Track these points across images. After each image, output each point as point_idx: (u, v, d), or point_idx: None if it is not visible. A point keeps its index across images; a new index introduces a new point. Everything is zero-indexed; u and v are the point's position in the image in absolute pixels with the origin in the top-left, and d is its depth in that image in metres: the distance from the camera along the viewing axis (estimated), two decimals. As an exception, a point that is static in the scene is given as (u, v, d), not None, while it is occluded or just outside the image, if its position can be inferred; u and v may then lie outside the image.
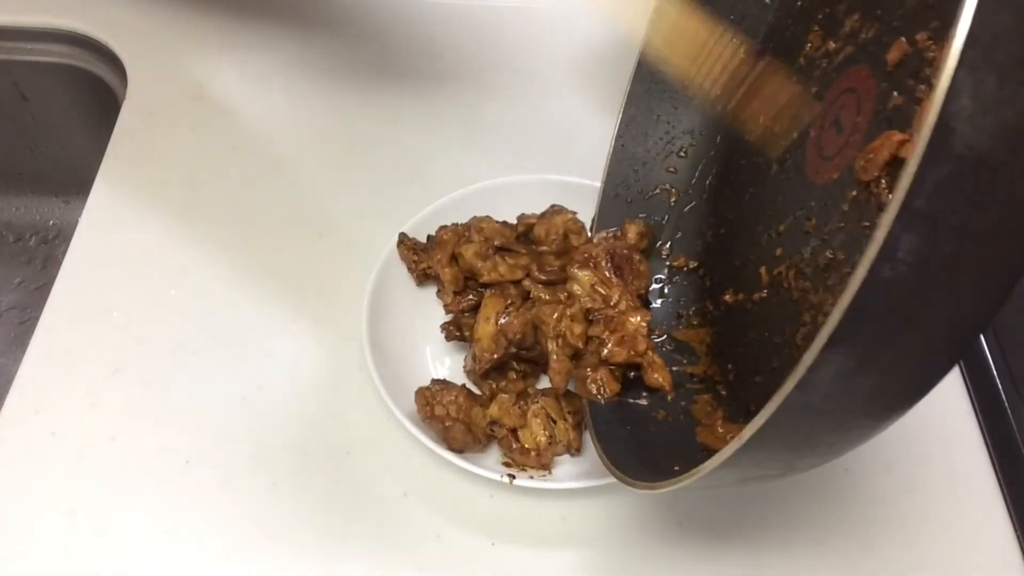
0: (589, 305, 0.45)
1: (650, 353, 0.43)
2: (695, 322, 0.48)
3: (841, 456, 0.34)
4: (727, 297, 0.45)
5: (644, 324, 0.43)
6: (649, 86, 0.49)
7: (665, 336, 0.48)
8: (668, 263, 0.50)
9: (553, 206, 0.52)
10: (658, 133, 0.50)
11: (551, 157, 0.61)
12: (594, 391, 0.44)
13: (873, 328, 0.26)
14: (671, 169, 0.50)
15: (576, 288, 0.45)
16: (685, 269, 0.49)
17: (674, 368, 0.45)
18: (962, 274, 0.26)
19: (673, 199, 0.50)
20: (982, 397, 0.51)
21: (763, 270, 0.42)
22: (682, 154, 0.50)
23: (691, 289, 0.49)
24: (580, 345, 0.44)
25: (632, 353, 0.43)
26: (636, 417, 0.44)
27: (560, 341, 0.45)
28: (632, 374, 0.44)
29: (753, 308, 0.43)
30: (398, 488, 0.46)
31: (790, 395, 0.27)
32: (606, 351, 0.43)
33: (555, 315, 0.45)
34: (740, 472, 0.33)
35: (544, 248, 0.50)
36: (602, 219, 0.50)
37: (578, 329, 0.44)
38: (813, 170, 0.39)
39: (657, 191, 0.51)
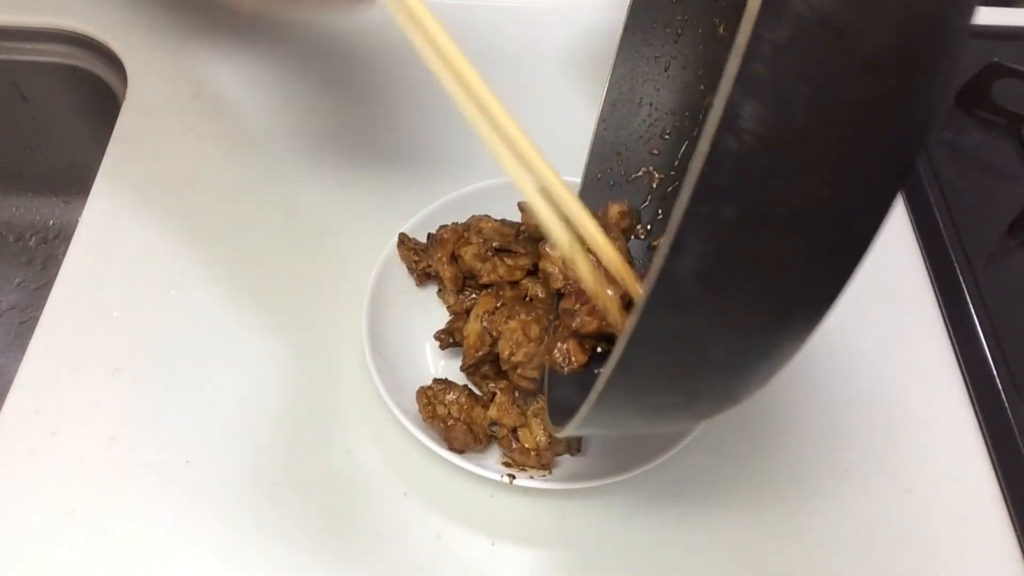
0: (559, 285, 0.45)
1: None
2: None
3: (745, 387, 0.31)
4: None
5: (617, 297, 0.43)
6: (632, 67, 0.49)
7: None
8: (648, 243, 0.50)
9: None
10: (641, 116, 0.50)
11: (551, 156, 0.61)
12: (560, 360, 0.43)
13: (729, 211, 0.24)
14: (655, 151, 0.50)
15: (548, 266, 0.45)
16: None
17: None
18: (820, 150, 0.24)
19: (656, 181, 0.50)
20: (982, 397, 0.51)
21: None
22: (666, 136, 0.50)
23: None
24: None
25: (604, 323, 0.43)
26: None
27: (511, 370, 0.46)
28: (599, 349, 0.44)
29: None
30: (398, 488, 0.46)
31: (653, 292, 0.25)
32: (577, 322, 0.43)
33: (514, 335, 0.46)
34: (631, 396, 0.30)
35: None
36: (585, 202, 0.51)
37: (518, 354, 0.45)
38: None
39: (640, 173, 0.51)
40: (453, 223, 0.52)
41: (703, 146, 0.23)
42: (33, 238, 0.80)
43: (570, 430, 0.34)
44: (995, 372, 0.50)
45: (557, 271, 0.46)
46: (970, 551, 0.46)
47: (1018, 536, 0.46)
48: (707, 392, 0.31)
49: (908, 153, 0.26)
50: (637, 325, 0.26)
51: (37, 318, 0.51)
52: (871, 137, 0.25)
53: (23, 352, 0.50)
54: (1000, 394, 0.50)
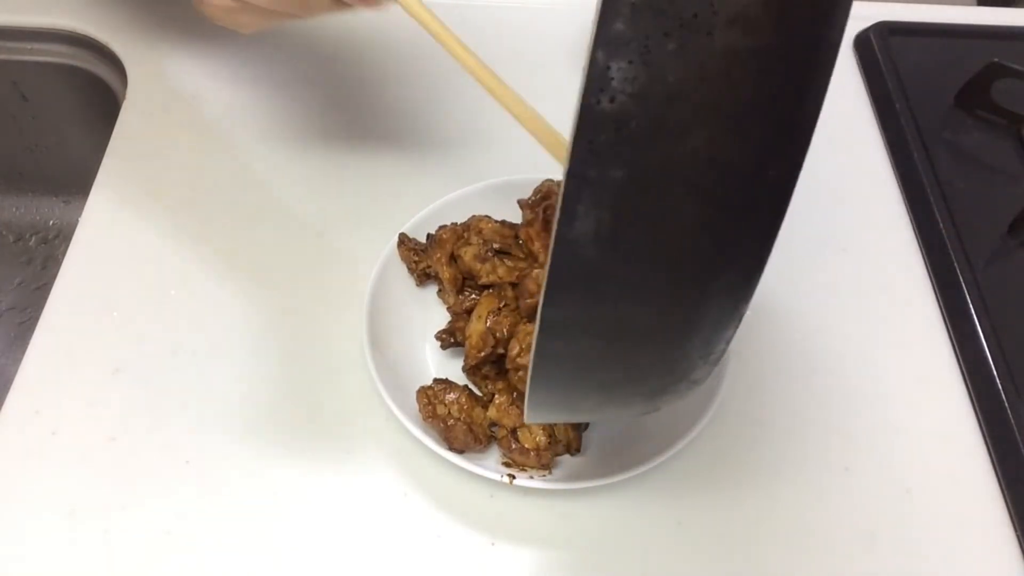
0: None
1: None
2: None
3: (684, 360, 0.30)
4: None
5: None
6: None
7: None
8: None
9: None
10: None
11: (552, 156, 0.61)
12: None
13: (616, 173, 0.24)
14: None
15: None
16: None
17: None
18: (698, 106, 0.23)
19: None
20: (982, 397, 0.51)
21: None
22: None
23: None
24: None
25: None
26: None
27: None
28: None
29: None
30: (398, 488, 0.46)
31: (553, 261, 0.25)
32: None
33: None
34: (567, 373, 0.30)
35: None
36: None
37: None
38: None
39: None
40: (452, 224, 0.52)
41: (578, 108, 0.23)
42: (33, 238, 0.80)
43: (528, 415, 0.34)
44: (995, 372, 0.50)
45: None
46: (970, 551, 0.46)
47: (1018, 536, 0.46)
48: (647, 367, 0.30)
49: (797, 108, 0.25)
50: (546, 295, 0.26)
51: (37, 318, 0.51)
52: (750, 91, 0.24)
53: (23, 352, 0.50)
54: (1000, 394, 0.50)
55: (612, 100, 0.23)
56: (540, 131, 0.42)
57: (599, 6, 0.23)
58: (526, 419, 0.35)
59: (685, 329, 0.29)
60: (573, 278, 0.26)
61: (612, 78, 0.23)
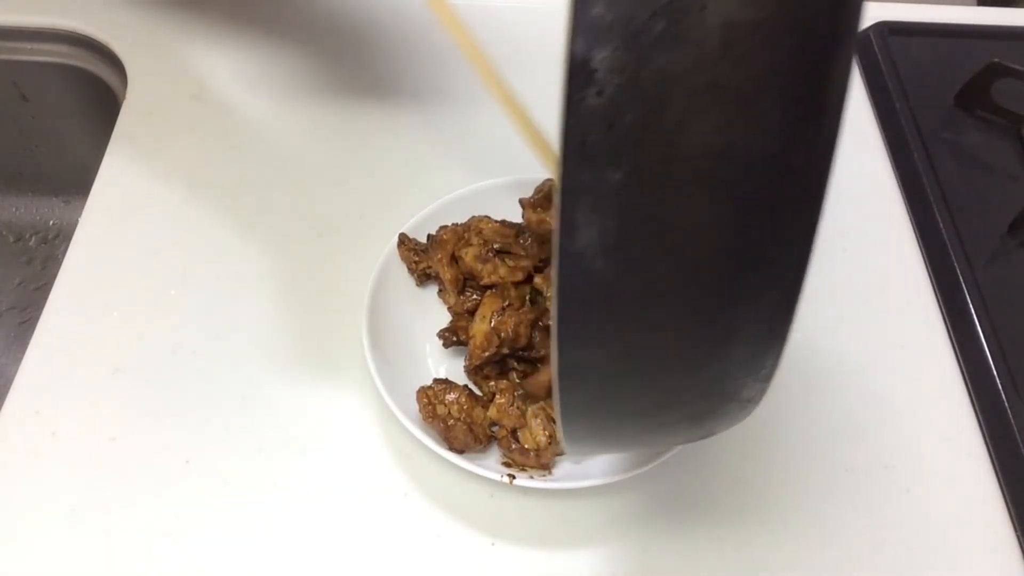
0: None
1: None
2: None
3: (726, 379, 0.27)
4: None
5: None
6: None
7: None
8: None
9: None
10: None
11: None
12: None
13: (614, 174, 0.21)
14: None
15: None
16: None
17: None
18: (698, 88, 0.21)
19: None
20: (982, 397, 0.51)
21: None
22: None
23: None
24: None
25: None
26: None
27: None
28: None
29: None
30: (398, 488, 0.46)
31: (561, 280, 0.22)
32: None
33: None
34: (593, 405, 0.27)
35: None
36: None
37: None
38: None
39: None
40: (453, 224, 0.52)
41: (562, 106, 0.21)
42: (33, 238, 0.80)
43: (567, 448, 0.32)
44: (995, 372, 0.50)
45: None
46: (970, 551, 0.46)
47: (1018, 536, 0.46)
48: (680, 389, 0.27)
49: (817, 84, 0.22)
50: (560, 318, 0.23)
51: (37, 318, 0.51)
52: (758, 69, 0.21)
53: (23, 352, 0.50)
54: (1000, 394, 0.50)
55: (600, 93, 0.21)
56: (537, 144, 0.41)
57: None
58: (565, 451, 0.33)
59: (716, 344, 0.26)
60: (582, 294, 0.24)
61: (596, 69, 0.20)
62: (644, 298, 0.24)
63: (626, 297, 0.24)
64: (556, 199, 0.22)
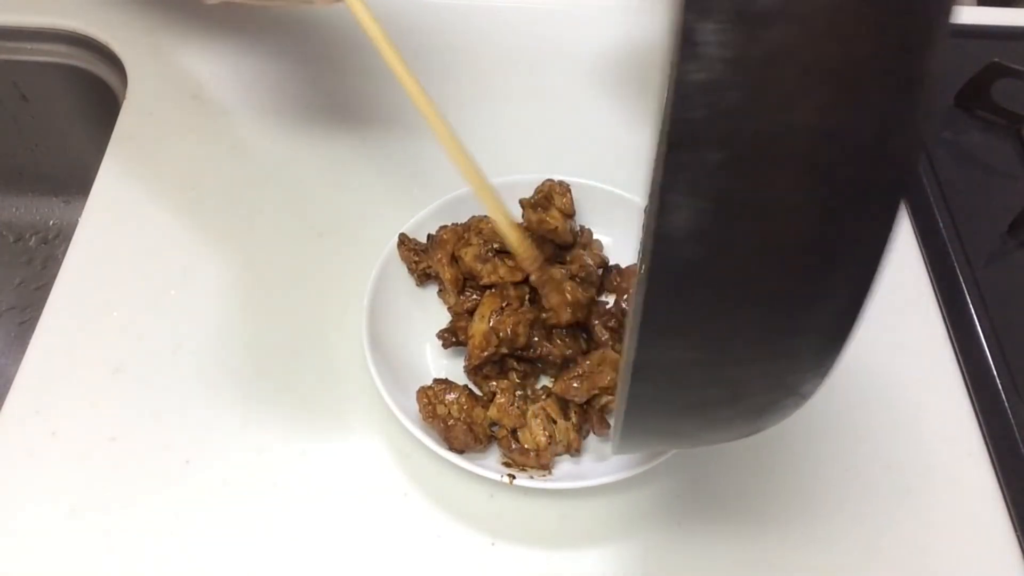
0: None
1: None
2: None
3: (797, 370, 0.27)
4: None
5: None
6: None
7: None
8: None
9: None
10: None
11: (553, 157, 0.61)
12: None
13: (712, 154, 0.20)
14: None
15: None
16: None
17: None
18: (805, 66, 0.20)
19: None
20: (982, 397, 0.51)
21: None
22: None
23: None
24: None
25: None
26: None
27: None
28: None
29: None
30: (398, 488, 0.46)
31: (652, 264, 0.21)
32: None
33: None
34: (661, 396, 0.26)
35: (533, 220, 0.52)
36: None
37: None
38: None
39: None
40: (453, 224, 0.52)
41: (667, 82, 0.20)
42: (33, 238, 0.80)
43: (618, 447, 0.31)
44: (995, 372, 0.50)
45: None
46: (970, 551, 0.46)
47: (1018, 536, 0.46)
48: (753, 381, 0.26)
49: (919, 63, 0.21)
50: (644, 305, 0.23)
51: (37, 318, 0.51)
52: (863, 49, 0.20)
53: (23, 352, 0.50)
54: (1000, 394, 0.50)
55: (704, 68, 0.20)
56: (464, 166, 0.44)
57: None
58: (613, 452, 0.32)
59: (797, 335, 0.25)
60: (669, 279, 0.23)
61: (701, 43, 0.20)
62: (729, 285, 0.23)
63: (712, 284, 0.23)
64: (651, 181, 0.21)
